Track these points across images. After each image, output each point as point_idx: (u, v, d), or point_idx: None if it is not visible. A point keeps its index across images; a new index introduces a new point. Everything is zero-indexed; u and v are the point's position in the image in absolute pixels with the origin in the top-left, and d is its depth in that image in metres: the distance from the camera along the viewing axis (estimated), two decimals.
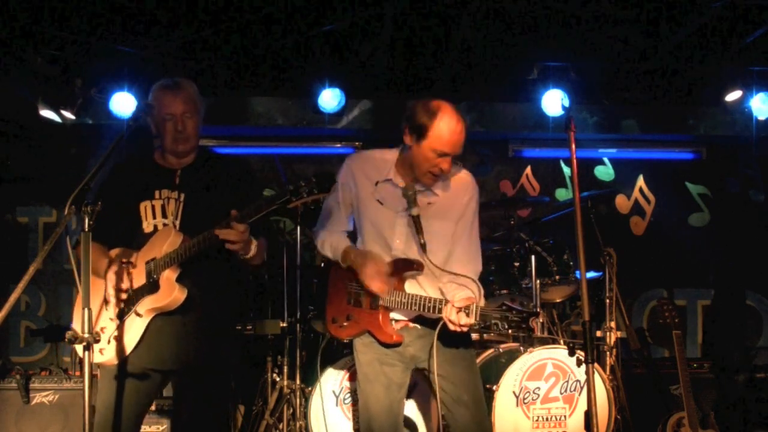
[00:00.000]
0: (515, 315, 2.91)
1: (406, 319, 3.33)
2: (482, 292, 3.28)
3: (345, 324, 3.37)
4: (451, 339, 3.24)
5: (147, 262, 3.14)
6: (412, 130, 3.17)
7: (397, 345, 3.29)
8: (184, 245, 3.06)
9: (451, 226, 3.31)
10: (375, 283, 3.23)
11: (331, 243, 3.43)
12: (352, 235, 3.49)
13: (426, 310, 3.14)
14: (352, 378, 4.56)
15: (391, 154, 3.35)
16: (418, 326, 3.32)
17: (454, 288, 3.20)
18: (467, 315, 3.00)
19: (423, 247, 3.17)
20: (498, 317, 2.95)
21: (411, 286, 3.27)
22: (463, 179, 3.37)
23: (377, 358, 3.32)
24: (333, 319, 3.42)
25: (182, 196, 3.23)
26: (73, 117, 5.64)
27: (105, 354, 3.14)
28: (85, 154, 6.04)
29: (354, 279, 3.34)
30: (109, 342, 3.13)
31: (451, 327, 3.06)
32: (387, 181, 3.31)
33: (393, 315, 3.31)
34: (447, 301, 3.09)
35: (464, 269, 3.27)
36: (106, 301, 3.17)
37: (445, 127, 3.12)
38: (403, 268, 3.25)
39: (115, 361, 3.14)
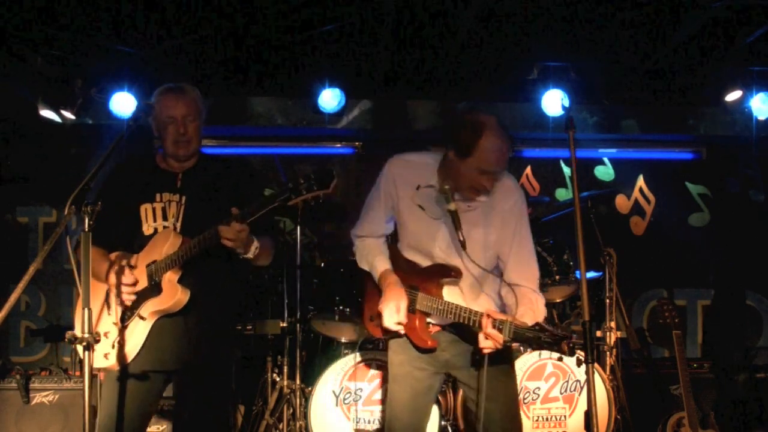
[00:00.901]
0: (547, 336, 2.86)
1: (441, 324, 3.28)
2: (543, 301, 3.17)
3: None
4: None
5: (148, 265, 3.14)
6: (455, 148, 3.05)
7: (432, 351, 3.24)
8: (184, 246, 3.06)
9: (492, 233, 3.19)
10: (389, 326, 3.19)
11: (368, 259, 3.38)
12: (391, 237, 3.46)
13: (462, 320, 3.07)
14: (352, 378, 4.57)
15: (433, 160, 3.25)
16: (453, 333, 3.27)
17: (515, 303, 3.10)
18: (500, 331, 2.93)
19: (462, 245, 3.07)
20: (531, 336, 2.89)
21: (450, 293, 3.21)
22: (505, 184, 3.21)
23: (409, 361, 3.28)
24: (370, 317, 3.39)
25: (183, 198, 3.23)
26: (73, 117, 5.64)
27: (110, 359, 3.13)
28: (85, 154, 6.03)
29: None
30: (113, 347, 3.12)
31: (482, 343, 2.98)
32: (429, 187, 3.22)
33: (429, 319, 3.26)
34: (483, 314, 3.00)
35: (520, 278, 3.18)
36: (108, 305, 3.16)
37: (491, 147, 2.99)
38: (440, 274, 3.20)
39: (120, 366, 3.14)
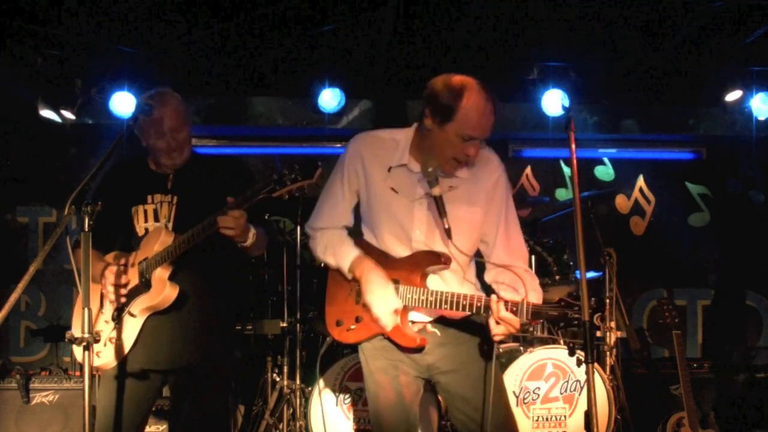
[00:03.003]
0: (576, 312, 2.55)
1: (425, 320, 2.93)
2: (537, 281, 2.91)
3: (353, 327, 2.94)
4: (472, 344, 2.93)
5: (139, 263, 3.15)
6: (435, 112, 2.77)
7: (421, 349, 2.87)
8: (174, 242, 3.06)
9: (478, 212, 2.91)
10: (384, 318, 2.82)
11: (334, 250, 2.99)
12: (352, 231, 3.11)
13: (462, 309, 2.75)
14: (352, 378, 4.56)
15: (403, 135, 2.96)
16: (437, 331, 2.92)
17: (505, 288, 2.83)
18: (515, 313, 2.63)
19: (448, 233, 2.78)
20: (555, 315, 2.60)
21: (433, 283, 2.87)
22: (487, 159, 2.95)
23: (392, 364, 2.92)
24: (337, 321, 2.98)
25: (175, 198, 3.24)
26: (73, 117, 5.64)
27: (102, 357, 3.13)
28: (85, 154, 6.03)
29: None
30: (105, 345, 3.12)
31: (495, 329, 2.69)
32: (401, 166, 2.91)
33: (411, 316, 2.91)
34: (491, 298, 2.69)
35: (513, 257, 2.92)
36: (101, 305, 3.18)
37: (474, 108, 2.71)
38: (426, 263, 2.85)
39: (113, 364, 3.14)
